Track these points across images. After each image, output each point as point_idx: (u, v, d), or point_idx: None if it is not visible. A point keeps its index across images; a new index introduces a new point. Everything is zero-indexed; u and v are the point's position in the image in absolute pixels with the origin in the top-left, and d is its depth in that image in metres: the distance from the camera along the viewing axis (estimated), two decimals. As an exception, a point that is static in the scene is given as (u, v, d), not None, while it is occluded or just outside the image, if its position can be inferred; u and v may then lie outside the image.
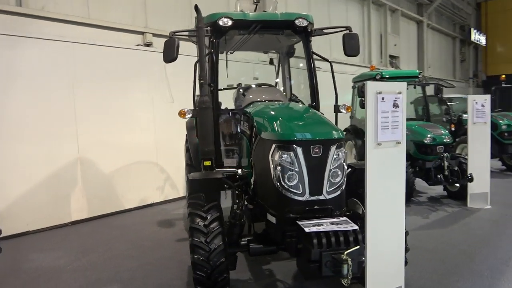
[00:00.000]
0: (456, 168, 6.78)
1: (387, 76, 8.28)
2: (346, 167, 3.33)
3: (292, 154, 3.12)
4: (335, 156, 3.18)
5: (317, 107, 4.72)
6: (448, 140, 7.06)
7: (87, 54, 6.83)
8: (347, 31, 4.60)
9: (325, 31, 4.89)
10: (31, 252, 5.23)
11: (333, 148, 3.18)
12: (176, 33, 4.45)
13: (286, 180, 3.14)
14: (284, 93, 5.74)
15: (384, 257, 3.19)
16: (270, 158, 3.25)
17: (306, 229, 2.80)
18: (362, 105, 8.08)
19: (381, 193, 3.16)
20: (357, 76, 9.11)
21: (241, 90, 5.29)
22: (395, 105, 3.20)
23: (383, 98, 3.13)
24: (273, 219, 3.26)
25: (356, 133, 8.93)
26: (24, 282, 4.31)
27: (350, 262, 2.63)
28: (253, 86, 5.32)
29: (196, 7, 4.02)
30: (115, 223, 6.57)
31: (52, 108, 6.36)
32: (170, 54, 4.31)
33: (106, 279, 4.27)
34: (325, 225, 2.88)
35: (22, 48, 6.13)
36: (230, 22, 4.47)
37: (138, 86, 7.52)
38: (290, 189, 3.15)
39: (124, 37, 7.65)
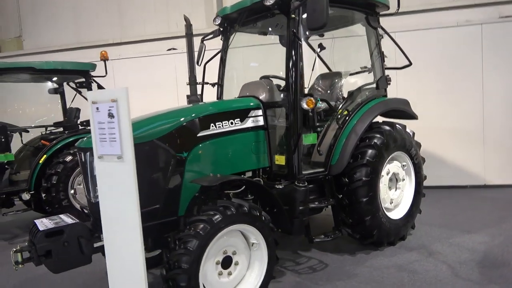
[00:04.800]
0: None
1: None
2: None
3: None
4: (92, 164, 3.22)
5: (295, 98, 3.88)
6: None
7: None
8: None
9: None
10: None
11: (86, 155, 3.27)
12: (204, 38, 5.14)
13: None
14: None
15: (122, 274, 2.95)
16: None
17: (36, 220, 3.27)
18: None
19: (112, 210, 2.92)
20: None
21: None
22: (110, 115, 2.78)
23: (97, 108, 2.85)
24: None
25: None
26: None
27: (12, 253, 2.96)
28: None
29: (184, 16, 4.73)
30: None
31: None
32: (198, 58, 5.16)
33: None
34: (58, 221, 3.22)
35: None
36: (219, 20, 4.62)
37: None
38: None
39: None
